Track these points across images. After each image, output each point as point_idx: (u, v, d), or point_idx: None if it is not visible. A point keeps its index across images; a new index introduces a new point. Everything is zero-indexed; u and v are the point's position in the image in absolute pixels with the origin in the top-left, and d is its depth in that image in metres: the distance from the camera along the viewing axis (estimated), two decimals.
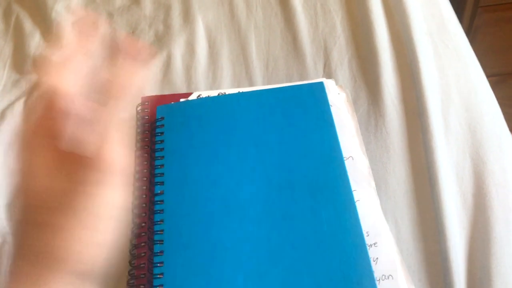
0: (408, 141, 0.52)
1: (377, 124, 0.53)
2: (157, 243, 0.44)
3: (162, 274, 0.42)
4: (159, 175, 0.48)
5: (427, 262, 0.44)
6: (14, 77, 0.64)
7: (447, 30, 0.62)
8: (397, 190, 0.48)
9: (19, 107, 0.60)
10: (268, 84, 0.59)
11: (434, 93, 0.54)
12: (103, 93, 0.31)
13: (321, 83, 0.52)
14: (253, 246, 0.42)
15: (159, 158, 0.49)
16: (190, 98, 0.54)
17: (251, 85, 0.59)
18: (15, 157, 0.31)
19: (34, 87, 0.62)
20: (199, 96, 0.54)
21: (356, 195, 0.45)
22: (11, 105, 0.60)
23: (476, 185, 0.48)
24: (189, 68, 0.61)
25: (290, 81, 0.58)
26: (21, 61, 0.66)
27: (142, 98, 0.55)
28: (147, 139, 0.52)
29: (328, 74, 0.58)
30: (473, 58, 0.60)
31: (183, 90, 0.59)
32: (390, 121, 0.53)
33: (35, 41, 0.67)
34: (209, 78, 0.60)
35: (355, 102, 0.55)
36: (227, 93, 0.54)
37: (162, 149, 0.49)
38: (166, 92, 0.59)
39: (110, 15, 0.69)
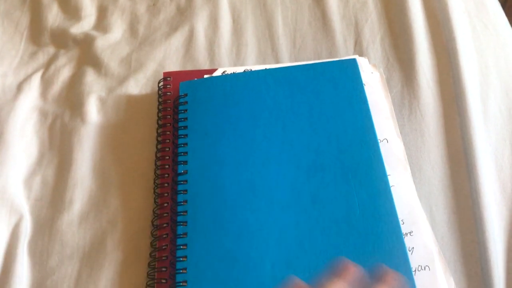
0: (444, 126, 0.49)
1: (411, 107, 0.50)
2: (180, 225, 0.42)
3: (185, 257, 0.40)
4: (182, 154, 0.46)
5: (463, 252, 0.42)
6: (31, 49, 0.62)
7: (486, 8, 0.58)
8: (432, 177, 0.46)
9: (36, 80, 0.58)
10: (295, 62, 0.56)
11: (472, 75, 0.51)
12: None
13: (354, 60, 0.49)
14: (281, 231, 0.40)
15: (182, 136, 0.47)
16: (215, 74, 0.52)
17: (277, 62, 0.56)
18: None
19: (51, 59, 0.60)
20: (224, 72, 0.52)
21: (391, 180, 0.42)
22: (28, 78, 0.58)
23: None
24: (212, 43, 0.59)
25: (319, 59, 0.55)
26: (38, 33, 0.63)
27: (164, 73, 0.53)
28: (169, 117, 0.50)
29: (359, 53, 0.55)
30: None
31: (205, 66, 0.57)
32: (425, 103, 0.50)
33: (52, 13, 0.65)
34: (233, 55, 0.58)
35: (388, 83, 0.52)
36: (253, 69, 0.52)
37: (185, 127, 0.47)
38: (188, 68, 0.57)
39: None
